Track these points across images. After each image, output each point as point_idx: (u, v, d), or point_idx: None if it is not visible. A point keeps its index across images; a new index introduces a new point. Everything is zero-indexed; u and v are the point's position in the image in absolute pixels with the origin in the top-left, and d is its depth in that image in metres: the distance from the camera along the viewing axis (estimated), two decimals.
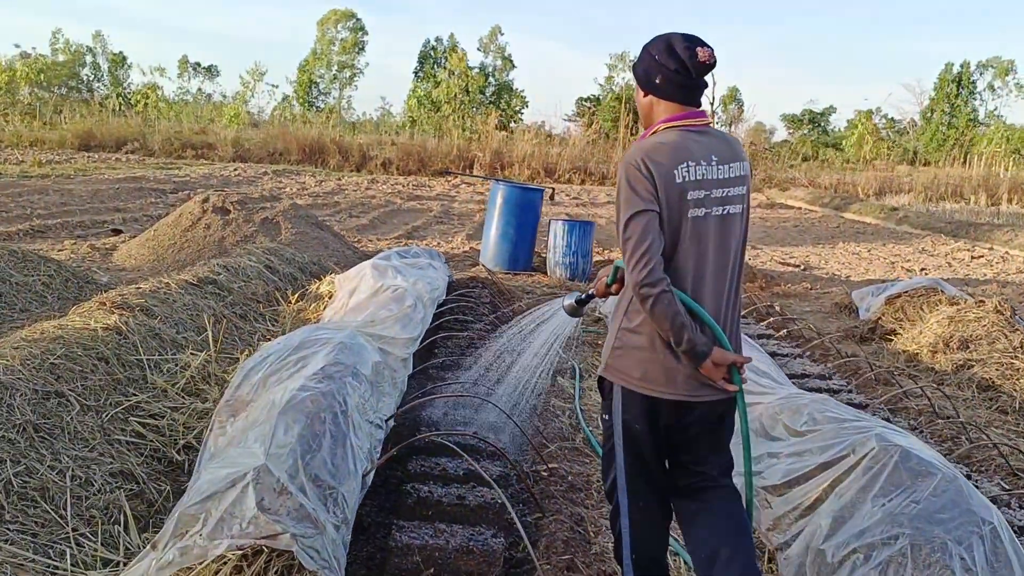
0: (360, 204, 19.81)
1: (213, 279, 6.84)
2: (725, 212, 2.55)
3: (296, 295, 7.32)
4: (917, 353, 7.04)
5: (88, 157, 27.85)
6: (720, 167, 2.53)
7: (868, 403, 5.77)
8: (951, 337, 6.82)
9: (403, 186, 26.03)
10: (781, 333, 7.87)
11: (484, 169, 30.11)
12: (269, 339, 6.27)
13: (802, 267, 13.88)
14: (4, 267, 7.50)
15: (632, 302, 2.57)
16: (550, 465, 4.47)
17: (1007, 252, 15.63)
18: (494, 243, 11.27)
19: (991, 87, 58.93)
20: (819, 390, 5.78)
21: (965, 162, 36.90)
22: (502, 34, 53.79)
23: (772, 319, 8.27)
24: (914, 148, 53.26)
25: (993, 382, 6.20)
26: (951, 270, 13.63)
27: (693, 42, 2.51)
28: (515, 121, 47.72)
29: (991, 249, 16.14)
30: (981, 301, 7.35)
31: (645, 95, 2.64)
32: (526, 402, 5.35)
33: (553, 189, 12.84)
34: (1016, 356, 6.35)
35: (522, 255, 11.38)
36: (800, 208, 26.28)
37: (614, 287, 2.87)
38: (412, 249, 8.92)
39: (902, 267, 13.62)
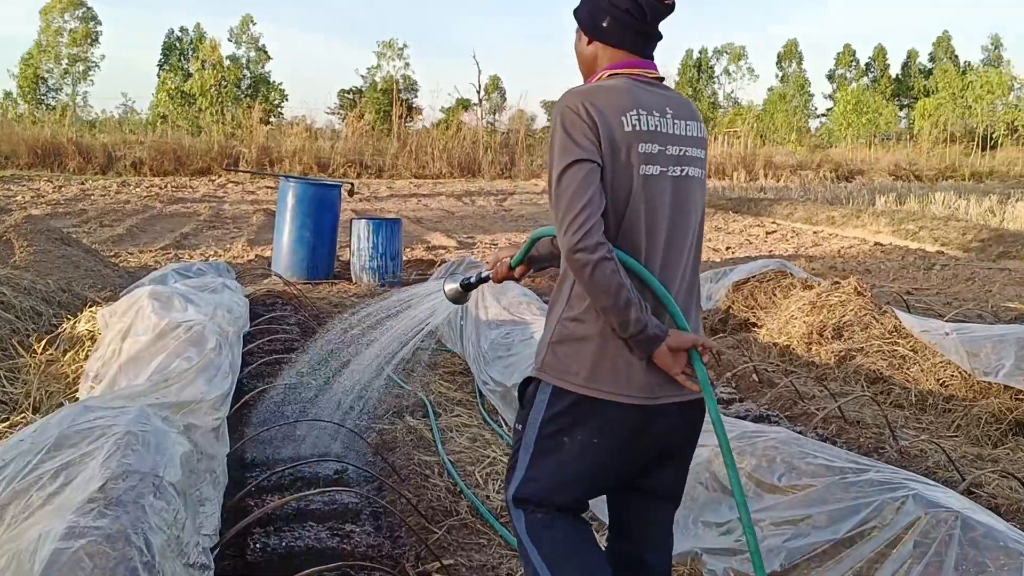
0: (112, 211, 17.21)
1: None
2: (683, 173, 2.15)
3: (42, 340, 5.50)
4: (788, 345, 6.47)
5: None
6: (676, 122, 2.15)
7: (768, 414, 5.02)
8: (824, 326, 6.29)
9: (160, 188, 23.35)
10: None
11: (251, 166, 27.79)
12: (2, 419, 4.53)
13: None
14: None
15: (575, 286, 2.10)
16: (444, 561, 3.25)
17: (793, 227, 16.14)
18: (288, 249, 9.71)
19: (727, 71, 63.72)
20: None
21: (716, 140, 38.86)
22: (254, 23, 50.58)
23: None
24: None
25: (881, 373, 5.70)
26: (753, 247, 13.71)
27: None
28: (275, 116, 45.15)
29: (777, 223, 16.62)
30: (836, 282, 6.91)
31: (588, 42, 2.26)
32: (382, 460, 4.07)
33: (352, 184, 11.41)
34: (896, 342, 5.90)
35: (322, 262, 9.90)
36: None
37: (518, 270, 2.45)
38: (194, 264, 7.28)
39: (709, 247, 13.50)
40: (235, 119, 35.93)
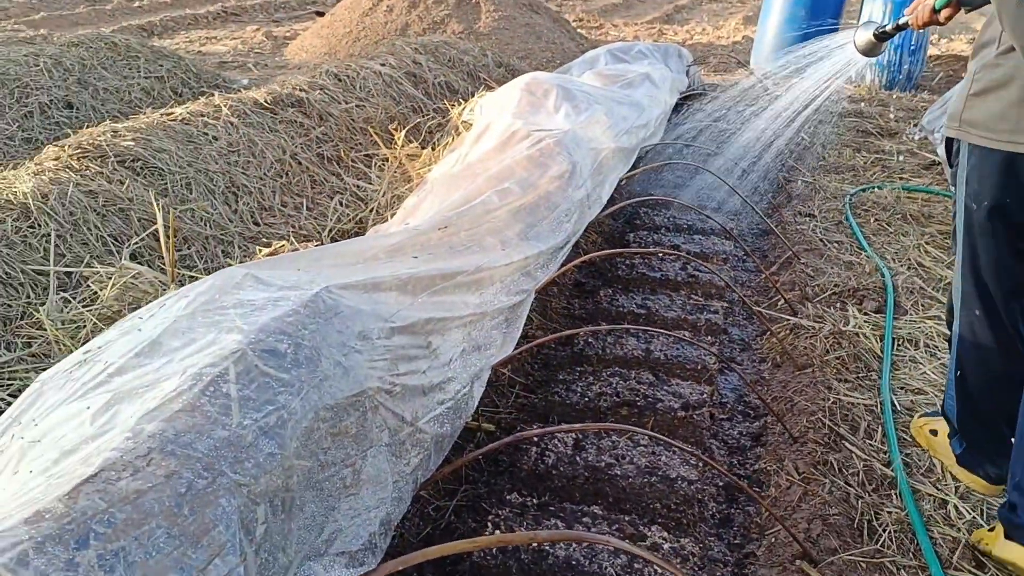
0: None
1: (299, 98, 4.42)
2: None
3: (428, 124, 4.74)
4: None
5: None
6: None
7: None
8: None
9: None
10: None
11: None
12: (352, 207, 3.86)
13: None
14: (94, 66, 5.60)
15: (1001, 35, 1.78)
16: None
17: None
18: (775, 32, 7.77)
19: None
20: None
21: None
22: None
23: None
24: None
25: None
26: None
27: None
28: None
29: None
30: None
31: None
32: None
33: None
34: None
35: None
36: None
37: (943, 13, 2.11)
38: (636, 45, 5.88)
39: None
40: None
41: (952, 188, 2.08)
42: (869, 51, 2.48)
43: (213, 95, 4.28)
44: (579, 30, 9.65)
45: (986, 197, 1.91)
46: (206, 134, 3.87)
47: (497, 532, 1.97)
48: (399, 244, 2.29)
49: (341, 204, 3.87)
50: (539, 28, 8.31)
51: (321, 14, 11.05)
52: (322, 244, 3.48)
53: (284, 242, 3.04)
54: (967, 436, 2.20)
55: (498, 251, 2.46)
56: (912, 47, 7.47)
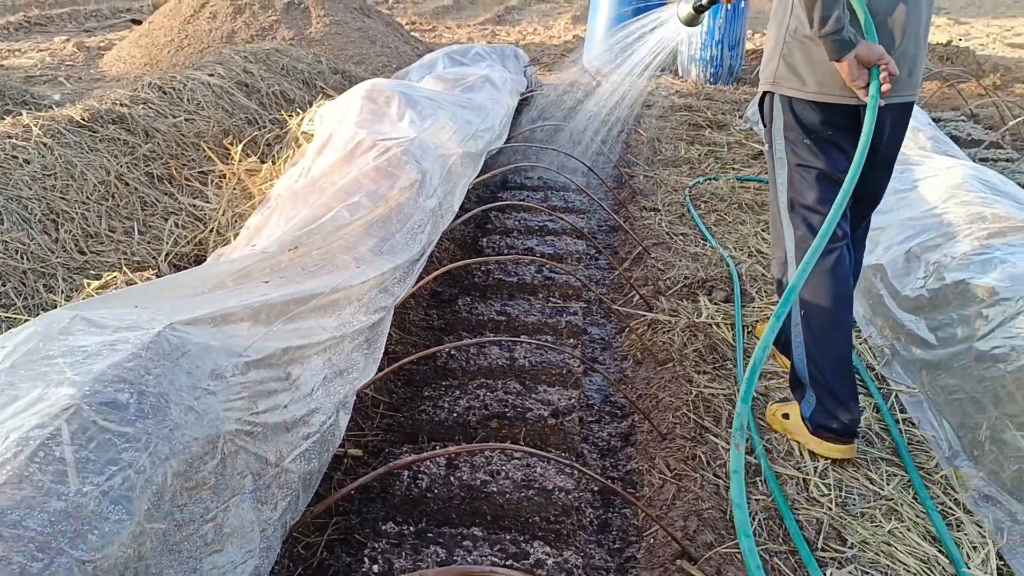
0: None
1: (120, 114, 4.11)
2: None
3: (266, 137, 4.53)
4: None
5: None
6: None
7: None
8: None
9: None
10: None
11: None
12: (190, 228, 3.63)
13: None
14: None
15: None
16: None
17: None
18: (604, 31, 7.97)
19: None
20: None
21: None
22: None
23: None
24: None
25: None
26: None
27: None
28: None
29: None
30: None
31: None
32: None
33: None
34: None
35: None
36: None
37: None
38: (473, 48, 5.87)
39: None
40: None
41: (766, 145, 2.47)
42: (690, 22, 2.77)
43: (21, 114, 3.91)
44: (413, 33, 9.56)
45: (798, 137, 2.32)
46: (15, 157, 3.53)
47: (375, 567, 1.87)
48: (247, 269, 2.14)
49: (177, 225, 3.63)
50: (372, 32, 8.16)
51: (138, 22, 10.44)
52: (159, 270, 3.24)
53: (116, 272, 2.80)
54: (817, 388, 2.32)
55: (353, 269, 2.36)
56: (732, 43, 7.85)
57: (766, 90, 2.40)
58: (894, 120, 2.32)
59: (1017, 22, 12.30)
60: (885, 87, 2.11)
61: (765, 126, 2.46)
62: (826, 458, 2.36)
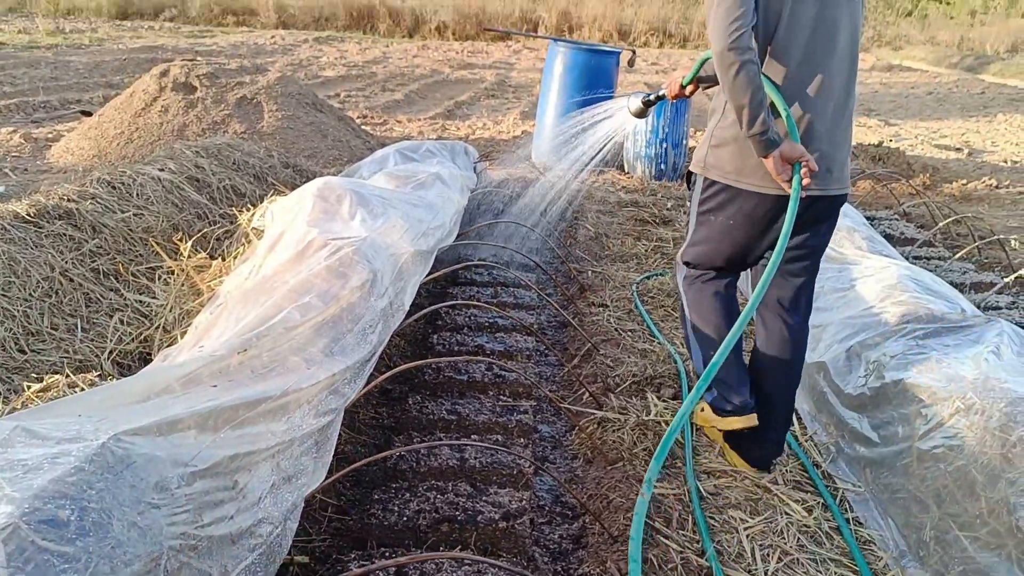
0: (400, 75, 16.66)
1: (68, 209, 4.09)
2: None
3: (216, 232, 4.54)
4: None
5: (120, 27, 24.89)
6: None
7: None
8: None
9: (456, 52, 22.72)
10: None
11: (549, 32, 26.37)
12: (135, 325, 3.58)
13: (965, 151, 10.47)
14: None
15: (726, 104, 2.54)
16: None
17: None
18: (551, 129, 8.22)
19: None
20: None
21: None
22: None
23: (963, 242, 5.30)
24: None
25: None
26: None
27: None
28: None
29: None
30: None
31: None
32: None
33: (633, 51, 9.55)
34: None
35: None
36: (926, 71, 22.14)
37: (688, 88, 2.89)
38: (424, 144, 5.99)
39: None
40: None
41: (689, 204, 2.90)
42: (639, 114, 3.14)
43: None
44: (364, 127, 9.71)
45: (713, 211, 2.68)
46: None
47: None
48: (195, 373, 2.12)
49: (122, 322, 3.57)
50: (324, 126, 8.28)
51: (88, 114, 10.43)
52: (102, 370, 3.18)
53: (58, 375, 2.74)
54: (714, 381, 2.73)
55: (303, 370, 2.35)
56: (675, 141, 8.14)
57: (693, 170, 2.78)
58: (819, 212, 2.62)
59: (942, 124, 12.98)
60: (806, 181, 2.41)
61: (689, 189, 2.84)
62: (728, 434, 2.87)
